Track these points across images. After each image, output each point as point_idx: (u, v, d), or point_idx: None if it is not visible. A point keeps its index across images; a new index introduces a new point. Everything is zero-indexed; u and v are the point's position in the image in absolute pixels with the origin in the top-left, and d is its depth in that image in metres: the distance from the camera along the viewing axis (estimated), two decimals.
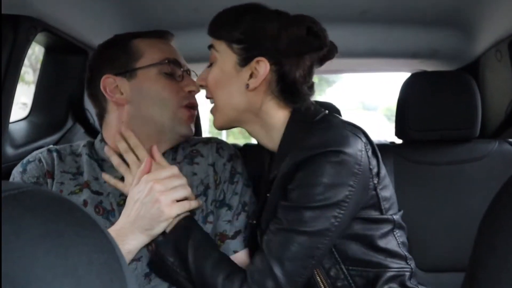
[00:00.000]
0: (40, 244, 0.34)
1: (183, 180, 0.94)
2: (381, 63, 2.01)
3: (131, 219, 0.91)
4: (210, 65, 0.98)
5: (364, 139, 0.89)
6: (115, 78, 1.01)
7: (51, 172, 1.00)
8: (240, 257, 1.01)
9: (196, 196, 1.01)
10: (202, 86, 1.00)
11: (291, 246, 0.86)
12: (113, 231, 0.91)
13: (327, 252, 0.90)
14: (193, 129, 1.06)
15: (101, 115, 1.07)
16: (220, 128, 1.01)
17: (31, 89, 1.53)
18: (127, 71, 1.01)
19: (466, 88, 1.44)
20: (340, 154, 0.84)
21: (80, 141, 1.10)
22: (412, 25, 1.55)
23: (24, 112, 1.52)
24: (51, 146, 1.07)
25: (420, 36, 1.63)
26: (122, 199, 0.99)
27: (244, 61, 0.93)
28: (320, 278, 0.93)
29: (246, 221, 1.04)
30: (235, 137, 12.91)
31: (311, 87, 0.96)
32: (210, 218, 1.01)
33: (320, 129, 0.90)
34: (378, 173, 0.91)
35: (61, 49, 1.45)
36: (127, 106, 1.01)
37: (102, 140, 1.06)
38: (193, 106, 1.06)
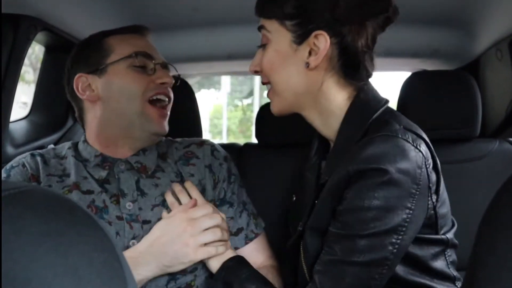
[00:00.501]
0: (40, 243, 0.34)
1: (216, 220, 0.94)
2: (381, 62, 2.00)
3: (153, 250, 0.91)
4: (263, 48, 0.90)
5: (426, 154, 0.79)
6: (87, 77, 1.02)
7: (35, 175, 1.00)
8: (241, 252, 1.03)
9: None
10: (256, 72, 0.92)
11: (345, 279, 0.78)
12: (129, 258, 0.88)
13: (385, 282, 0.81)
14: (166, 127, 1.04)
15: (81, 116, 1.08)
16: (278, 113, 0.93)
17: (32, 88, 1.53)
18: (98, 68, 1.01)
19: (467, 88, 1.44)
20: (395, 172, 0.75)
21: (65, 143, 1.11)
22: (413, 24, 1.54)
23: (25, 112, 1.52)
24: (34, 150, 1.07)
25: (421, 36, 1.63)
26: (114, 199, 0.99)
27: (300, 37, 0.84)
28: None
29: (247, 219, 1.07)
30: (235, 136, 12.93)
31: (372, 60, 0.88)
32: None
33: (378, 136, 0.79)
34: (437, 190, 0.82)
35: (61, 48, 1.45)
36: (99, 103, 1.02)
37: (85, 140, 1.07)
38: (164, 96, 1.03)
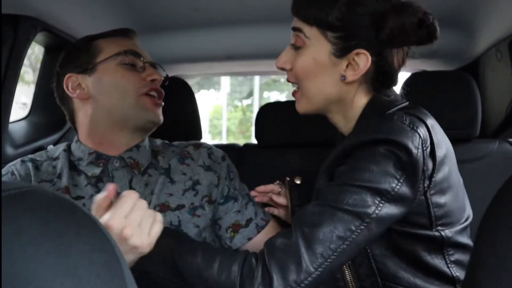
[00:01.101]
0: (40, 244, 0.34)
1: (143, 206, 0.81)
2: None
3: None
4: (295, 48, 0.88)
5: (424, 136, 0.79)
6: (77, 76, 1.03)
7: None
8: (255, 242, 1.05)
9: (185, 191, 1.02)
10: (283, 69, 0.91)
11: (323, 222, 0.76)
12: None
13: (361, 245, 0.78)
14: (161, 116, 1.05)
15: (72, 118, 1.09)
16: (304, 113, 0.93)
17: (31, 89, 1.53)
18: (87, 68, 1.03)
19: (466, 88, 1.44)
20: (392, 144, 0.77)
21: (59, 145, 1.11)
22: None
23: (24, 112, 1.52)
24: (25, 156, 1.07)
25: None
26: None
27: (341, 51, 0.84)
28: (352, 286, 0.87)
29: (254, 209, 1.09)
30: (235, 137, 12.92)
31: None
32: (199, 211, 1.02)
33: (379, 118, 0.83)
34: (431, 176, 0.81)
35: (61, 49, 1.44)
36: (90, 101, 1.03)
37: (78, 140, 1.07)
38: (157, 92, 1.05)
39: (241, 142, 1.95)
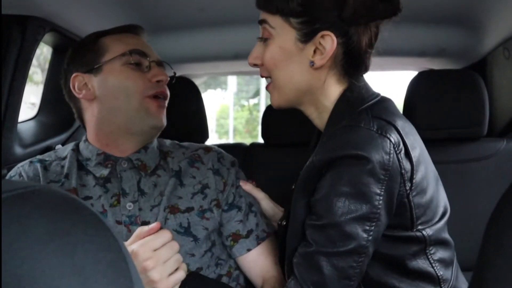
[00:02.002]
0: (47, 243, 0.34)
1: (174, 249, 0.87)
2: (388, 61, 2.00)
3: None
4: (263, 41, 0.88)
5: (394, 139, 0.78)
6: (84, 76, 1.02)
7: None
8: (254, 253, 1.04)
9: (194, 194, 1.02)
10: (255, 65, 0.91)
11: (324, 270, 0.78)
12: None
13: (364, 267, 0.81)
14: (164, 120, 1.04)
15: (80, 116, 1.08)
16: (278, 107, 0.92)
17: (40, 89, 1.54)
18: (93, 67, 1.02)
19: (474, 87, 1.44)
20: (361, 159, 0.75)
21: (68, 144, 1.11)
22: (420, 23, 1.54)
23: (33, 112, 1.53)
24: (34, 157, 1.07)
25: (428, 35, 1.63)
26: (115, 199, 0.99)
27: (306, 36, 0.83)
28: None
29: (256, 220, 1.07)
30: (241, 136, 12.93)
31: (370, 56, 0.88)
32: (208, 214, 1.02)
33: (339, 128, 0.81)
34: (411, 178, 0.79)
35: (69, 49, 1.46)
36: (96, 101, 1.02)
37: (86, 140, 1.07)
38: (162, 95, 1.04)
39: (247, 141, 1.96)
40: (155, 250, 0.84)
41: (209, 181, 1.04)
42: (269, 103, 1.18)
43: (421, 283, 0.84)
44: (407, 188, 0.79)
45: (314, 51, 0.84)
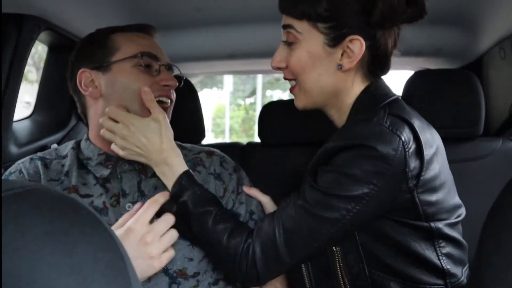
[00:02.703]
0: (45, 243, 0.34)
1: (169, 221, 0.90)
2: None
3: None
4: (288, 44, 0.89)
5: (405, 137, 0.80)
6: (91, 72, 1.01)
7: (34, 181, 0.99)
8: None
9: None
10: (279, 68, 0.92)
11: (298, 222, 0.83)
12: None
13: (334, 241, 0.86)
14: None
15: (84, 112, 1.07)
16: (303, 109, 0.94)
17: (35, 88, 1.54)
18: (102, 65, 1.00)
19: (470, 86, 1.44)
20: (368, 149, 0.78)
21: (68, 142, 1.10)
22: (416, 23, 1.54)
23: (28, 111, 1.53)
24: (35, 154, 1.06)
25: (424, 34, 1.63)
26: (115, 199, 0.98)
27: (334, 40, 0.85)
28: (341, 273, 0.89)
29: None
30: (238, 135, 12.93)
31: None
32: None
33: (360, 120, 0.84)
34: (418, 175, 0.81)
35: (64, 48, 1.45)
36: (101, 100, 1.01)
37: (87, 138, 1.06)
38: (168, 98, 1.03)
39: (244, 140, 1.96)
40: (150, 223, 0.87)
41: (209, 186, 1.03)
42: (265, 102, 1.18)
43: (426, 272, 0.86)
44: (411, 185, 0.81)
45: (342, 54, 0.86)
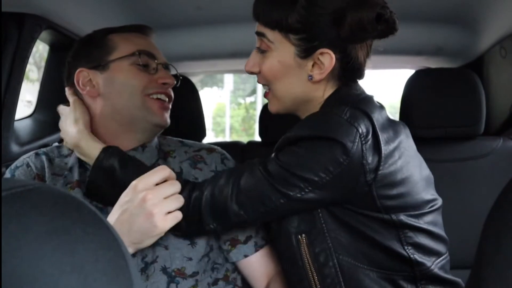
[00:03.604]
0: (47, 241, 0.34)
1: (176, 187, 0.88)
2: (385, 60, 2.01)
3: (118, 231, 0.84)
4: (261, 51, 0.90)
5: (362, 129, 0.81)
6: (89, 72, 1.01)
7: (41, 175, 1.00)
8: (251, 260, 1.02)
9: None
10: (252, 73, 0.94)
11: (253, 182, 0.85)
12: None
13: (279, 214, 0.88)
14: (168, 119, 1.04)
15: None
16: (276, 113, 0.97)
17: (36, 87, 1.54)
18: (100, 64, 1.01)
19: (470, 85, 1.44)
20: (327, 140, 0.81)
21: None
22: (417, 22, 1.54)
23: (29, 110, 1.53)
24: (39, 149, 1.06)
25: (425, 33, 1.63)
26: None
27: (305, 52, 0.86)
28: (308, 261, 0.89)
29: (255, 227, 1.05)
30: (238, 134, 12.93)
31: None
32: None
33: (319, 112, 0.87)
34: (376, 169, 0.82)
35: (66, 47, 1.44)
36: (99, 99, 1.01)
37: None
38: (166, 96, 1.04)
39: (244, 139, 1.96)
40: (154, 184, 0.86)
41: None
42: (266, 101, 1.19)
43: (392, 259, 0.87)
44: (369, 178, 0.82)
45: (313, 65, 0.87)
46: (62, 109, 1.03)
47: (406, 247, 0.87)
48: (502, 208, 0.42)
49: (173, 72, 1.10)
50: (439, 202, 0.95)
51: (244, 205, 0.86)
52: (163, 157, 1.06)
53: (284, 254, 0.94)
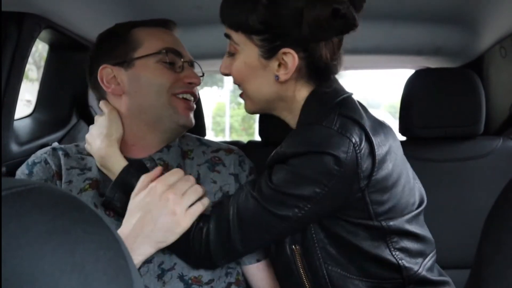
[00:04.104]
0: (47, 241, 0.34)
1: (191, 181, 0.90)
2: (385, 60, 2.01)
3: (141, 232, 0.86)
4: (230, 54, 0.92)
5: (355, 139, 0.81)
6: (113, 68, 0.99)
7: (59, 172, 0.98)
8: (264, 264, 1.03)
9: (213, 203, 0.98)
10: (226, 75, 0.95)
11: (252, 213, 0.85)
12: None
13: (286, 235, 0.90)
14: (193, 119, 1.02)
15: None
16: (251, 113, 0.98)
17: (35, 86, 1.54)
18: (125, 61, 0.98)
19: (470, 85, 1.44)
20: (319, 154, 0.81)
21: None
22: (416, 22, 1.54)
23: (29, 109, 1.53)
24: (56, 144, 1.05)
25: (424, 33, 1.63)
26: None
27: (268, 53, 0.87)
28: (303, 271, 0.91)
29: None
30: (238, 134, 12.93)
31: (338, 61, 0.91)
32: None
33: (308, 125, 0.86)
34: (370, 175, 0.82)
35: (65, 46, 1.45)
36: (124, 97, 0.99)
37: None
38: (192, 96, 1.02)
39: (244, 139, 1.96)
40: (171, 185, 0.88)
41: (230, 188, 1.02)
42: None
43: (381, 267, 0.88)
44: (363, 185, 0.82)
45: (279, 65, 0.87)
46: (97, 117, 1.01)
47: (394, 253, 0.88)
48: (502, 208, 0.42)
49: (197, 69, 1.08)
50: (424, 202, 0.96)
51: (249, 238, 0.87)
52: (183, 157, 1.04)
53: (280, 265, 0.94)
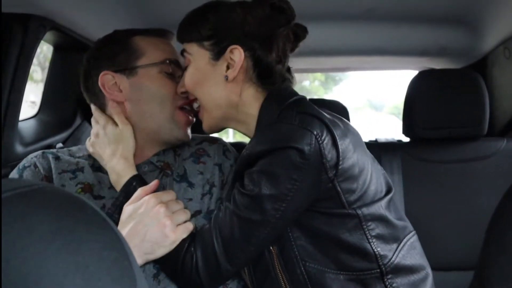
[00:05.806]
0: (52, 241, 0.34)
1: (181, 204, 0.93)
2: (389, 61, 2.00)
3: (130, 242, 0.82)
4: (185, 69, 0.98)
5: (317, 131, 0.84)
6: (114, 75, 0.99)
7: (48, 176, 0.98)
8: None
9: (203, 195, 1.00)
10: (184, 93, 0.99)
11: (232, 228, 0.87)
12: None
13: (269, 241, 0.90)
14: (190, 134, 1.05)
15: (101, 110, 1.04)
16: (210, 131, 1.01)
17: (40, 87, 1.55)
18: (126, 68, 0.99)
19: (474, 86, 1.44)
20: (284, 150, 0.83)
21: (82, 146, 1.09)
22: (420, 23, 1.54)
23: (33, 111, 1.53)
24: (46, 149, 1.05)
25: (428, 34, 1.63)
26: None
27: (218, 54, 0.93)
28: (280, 271, 0.92)
29: None
30: (241, 134, 12.93)
31: (288, 70, 0.97)
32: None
33: (270, 125, 0.89)
34: (336, 165, 0.84)
35: (70, 48, 1.46)
36: (126, 104, 1.00)
37: None
38: (190, 106, 1.03)
39: (247, 140, 1.95)
40: (164, 202, 0.90)
41: (215, 179, 1.03)
42: None
43: (358, 258, 0.89)
44: (331, 174, 0.85)
45: (228, 67, 0.93)
46: (107, 122, 1.01)
47: (370, 240, 0.89)
48: (506, 209, 0.42)
49: None
50: (392, 189, 0.98)
51: (235, 255, 0.89)
52: (174, 157, 1.05)
53: (258, 266, 0.95)
